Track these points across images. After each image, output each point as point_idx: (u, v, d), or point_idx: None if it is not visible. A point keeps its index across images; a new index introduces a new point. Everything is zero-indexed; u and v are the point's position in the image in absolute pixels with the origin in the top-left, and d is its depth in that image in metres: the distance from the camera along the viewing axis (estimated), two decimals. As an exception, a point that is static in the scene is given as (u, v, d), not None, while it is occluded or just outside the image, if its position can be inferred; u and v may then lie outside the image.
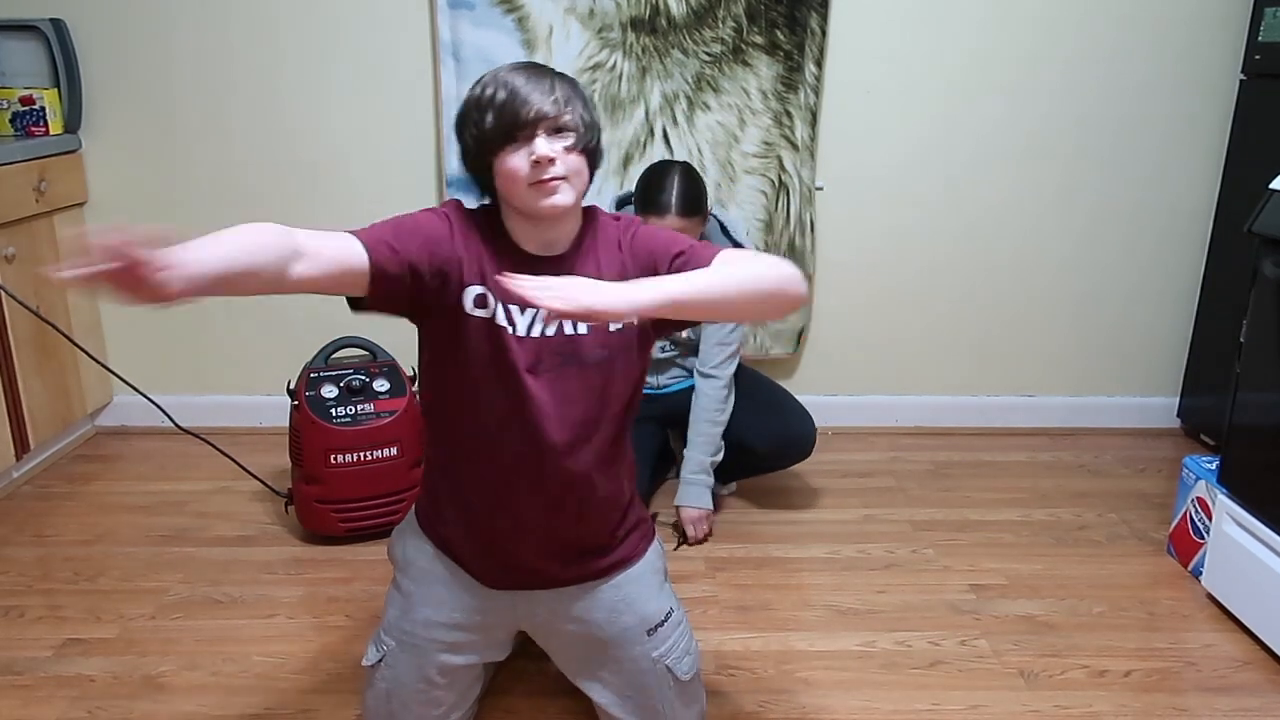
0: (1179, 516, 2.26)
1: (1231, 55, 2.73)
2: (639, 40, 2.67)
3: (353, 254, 1.25)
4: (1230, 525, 2.03)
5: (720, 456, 2.39)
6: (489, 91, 1.30)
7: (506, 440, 1.40)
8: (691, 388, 2.42)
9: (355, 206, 2.84)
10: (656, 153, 2.75)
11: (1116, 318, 2.98)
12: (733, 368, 2.37)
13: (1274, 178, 1.95)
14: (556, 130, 1.30)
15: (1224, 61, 2.74)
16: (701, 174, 2.32)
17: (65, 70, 2.67)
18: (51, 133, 2.70)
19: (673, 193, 2.19)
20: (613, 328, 1.39)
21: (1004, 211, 2.88)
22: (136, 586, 2.15)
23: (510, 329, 1.35)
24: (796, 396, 2.97)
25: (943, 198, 2.86)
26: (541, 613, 1.54)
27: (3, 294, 2.43)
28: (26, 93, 2.67)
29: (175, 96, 2.77)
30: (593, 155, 1.37)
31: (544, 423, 1.38)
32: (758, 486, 2.62)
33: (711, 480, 2.37)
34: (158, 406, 2.06)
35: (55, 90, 2.69)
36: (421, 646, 1.50)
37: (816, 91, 2.73)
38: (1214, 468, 2.14)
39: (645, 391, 2.49)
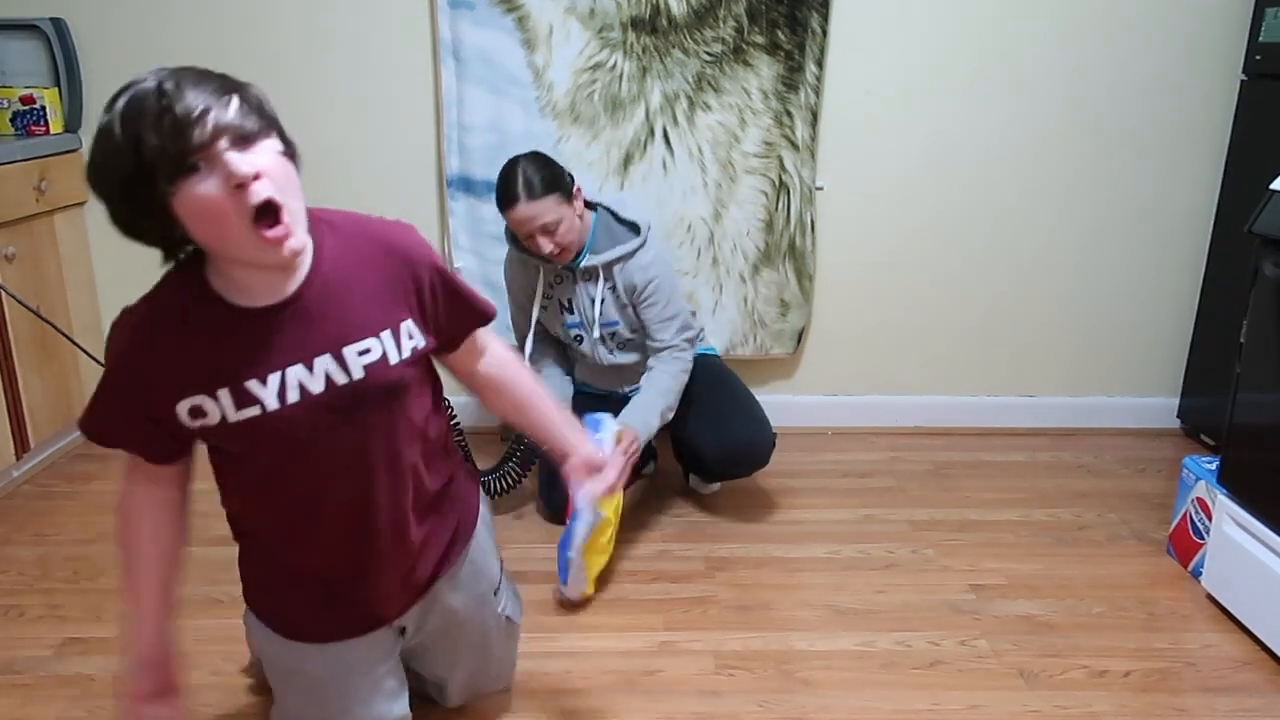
0: (1179, 517, 2.26)
1: (1231, 55, 2.73)
2: (639, 40, 2.67)
3: (179, 463, 1.20)
4: (1230, 525, 2.03)
5: (667, 413, 2.25)
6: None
7: (327, 510, 1.23)
8: None
9: (354, 206, 2.84)
10: (657, 153, 2.75)
11: (1116, 318, 2.98)
12: (686, 342, 2.29)
13: (1274, 178, 1.95)
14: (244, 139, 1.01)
15: (1224, 61, 2.74)
16: (550, 162, 2.25)
17: (65, 69, 2.67)
18: (52, 132, 2.70)
19: (516, 181, 2.14)
20: (394, 360, 1.18)
21: (1004, 211, 2.88)
22: (136, 586, 2.15)
23: (260, 409, 1.12)
24: (796, 396, 2.97)
25: (943, 198, 2.86)
26: (414, 623, 1.42)
27: (3, 294, 2.43)
28: (27, 92, 2.68)
29: (175, 96, 2.77)
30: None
31: (355, 475, 1.21)
32: (757, 486, 2.62)
33: (656, 425, 2.22)
34: (158, 406, 2.07)
35: (55, 89, 2.69)
36: None
37: (817, 91, 2.73)
38: (1214, 468, 2.14)
39: (609, 391, 2.49)
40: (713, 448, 2.36)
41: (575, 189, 2.24)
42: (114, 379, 1.13)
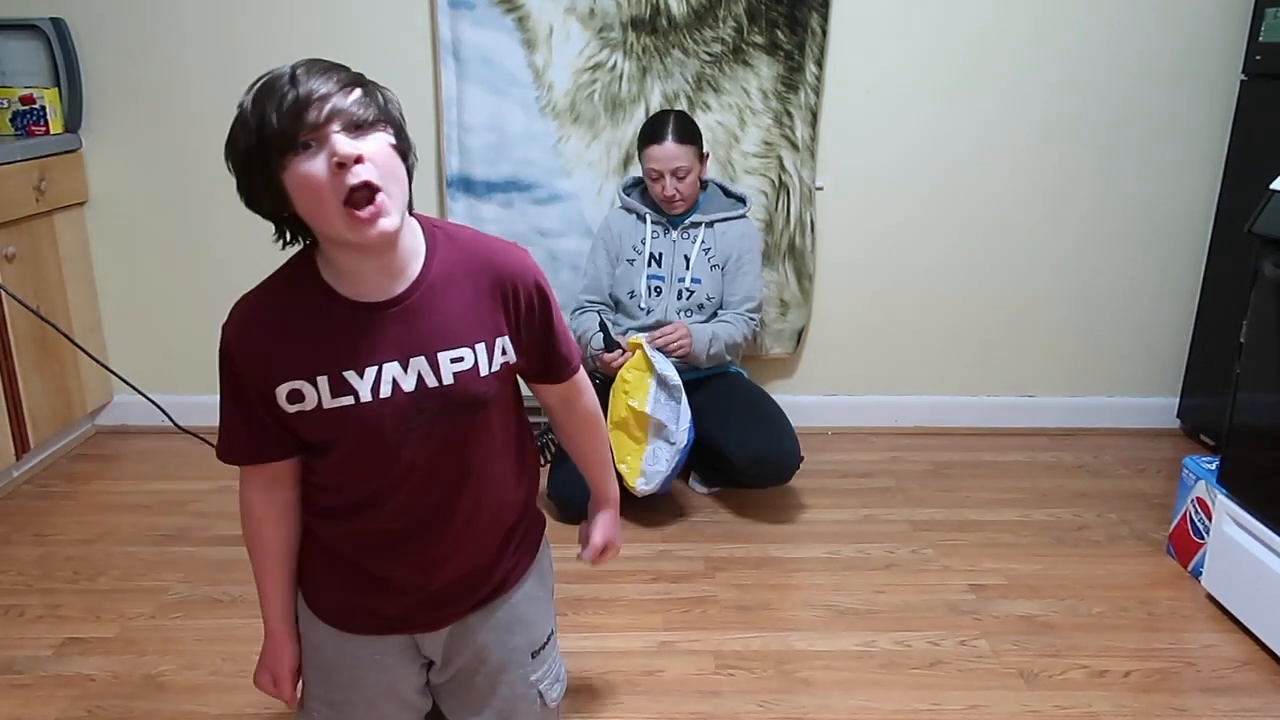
0: (1179, 517, 2.26)
1: (1231, 55, 2.73)
2: (639, 40, 2.67)
3: (292, 458, 1.24)
4: (1230, 525, 2.03)
5: (713, 352, 2.45)
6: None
7: (393, 512, 1.23)
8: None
9: (355, 206, 2.84)
10: (657, 152, 2.74)
11: (1116, 318, 2.98)
12: (758, 318, 2.58)
13: (1274, 178, 1.95)
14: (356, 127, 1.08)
15: (1224, 61, 2.74)
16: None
17: (65, 69, 2.67)
18: (52, 132, 2.70)
19: (668, 124, 2.42)
20: (484, 372, 1.20)
21: (1003, 212, 2.88)
22: (136, 586, 2.16)
23: (353, 398, 1.15)
24: (796, 396, 2.97)
25: (943, 198, 2.86)
26: (440, 652, 1.37)
27: (3, 294, 2.43)
28: (27, 92, 2.67)
29: (175, 95, 2.77)
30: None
31: (429, 479, 1.22)
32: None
33: (706, 346, 2.43)
34: (158, 406, 2.06)
35: (55, 89, 2.69)
36: None
37: (817, 91, 2.73)
38: (1214, 468, 2.14)
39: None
40: (744, 454, 2.38)
41: (706, 155, 2.52)
42: (226, 372, 1.19)
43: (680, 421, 2.31)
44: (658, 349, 2.36)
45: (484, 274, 1.21)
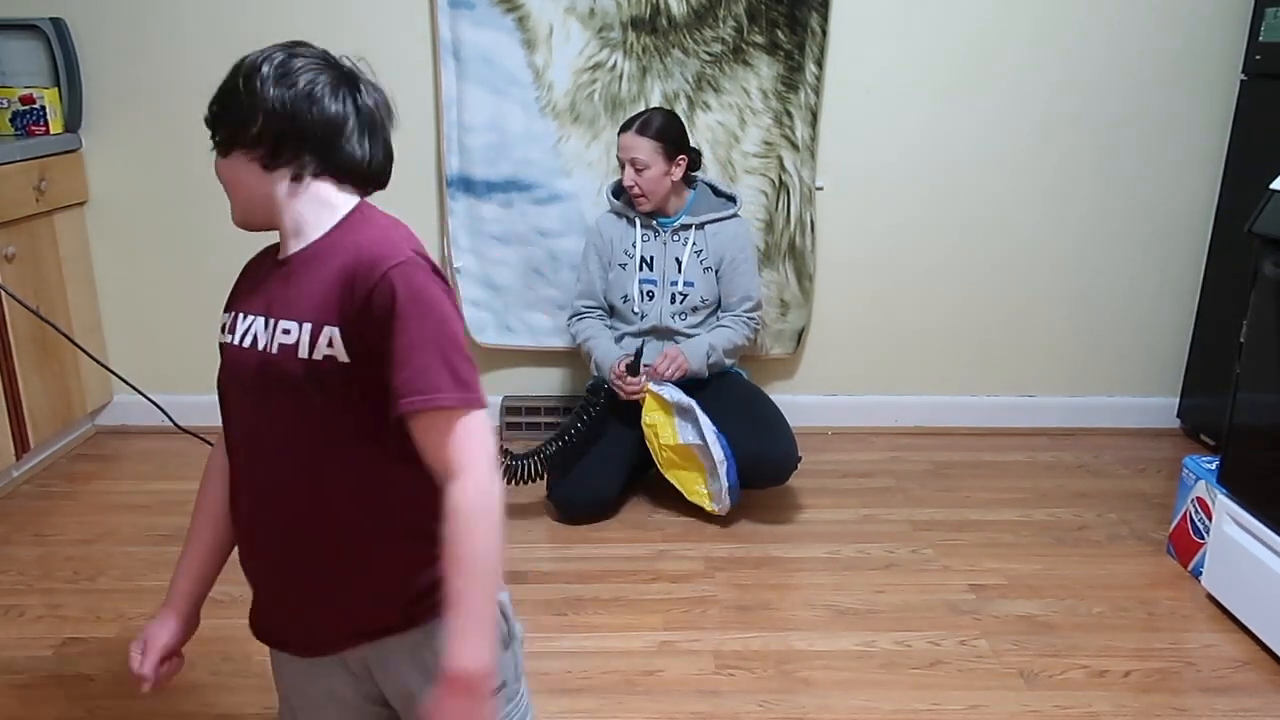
0: (1179, 516, 2.26)
1: (1231, 55, 2.73)
2: (639, 40, 2.67)
3: None
4: (1230, 525, 2.03)
5: (713, 362, 2.47)
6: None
7: (243, 481, 1.23)
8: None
9: (355, 206, 2.84)
10: (657, 152, 2.74)
11: (1116, 318, 2.98)
12: (757, 316, 2.57)
13: (1274, 178, 1.95)
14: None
15: (1224, 61, 2.74)
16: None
17: (65, 70, 2.67)
18: (52, 132, 2.70)
19: (639, 117, 2.45)
20: (302, 354, 1.13)
21: (1003, 211, 2.88)
22: (136, 586, 2.16)
23: (231, 338, 1.22)
24: (796, 396, 2.97)
25: (943, 198, 2.86)
26: (382, 681, 1.25)
27: (3, 294, 2.42)
28: (27, 92, 2.67)
29: (175, 96, 2.77)
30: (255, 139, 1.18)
31: (255, 448, 1.20)
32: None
33: (704, 360, 2.45)
34: (158, 406, 2.06)
35: (55, 89, 2.69)
36: None
37: (817, 91, 2.73)
38: (1214, 468, 2.14)
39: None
40: (741, 454, 2.38)
41: (679, 158, 2.46)
42: None
43: (706, 434, 2.33)
44: (659, 383, 2.38)
45: (347, 263, 1.15)
